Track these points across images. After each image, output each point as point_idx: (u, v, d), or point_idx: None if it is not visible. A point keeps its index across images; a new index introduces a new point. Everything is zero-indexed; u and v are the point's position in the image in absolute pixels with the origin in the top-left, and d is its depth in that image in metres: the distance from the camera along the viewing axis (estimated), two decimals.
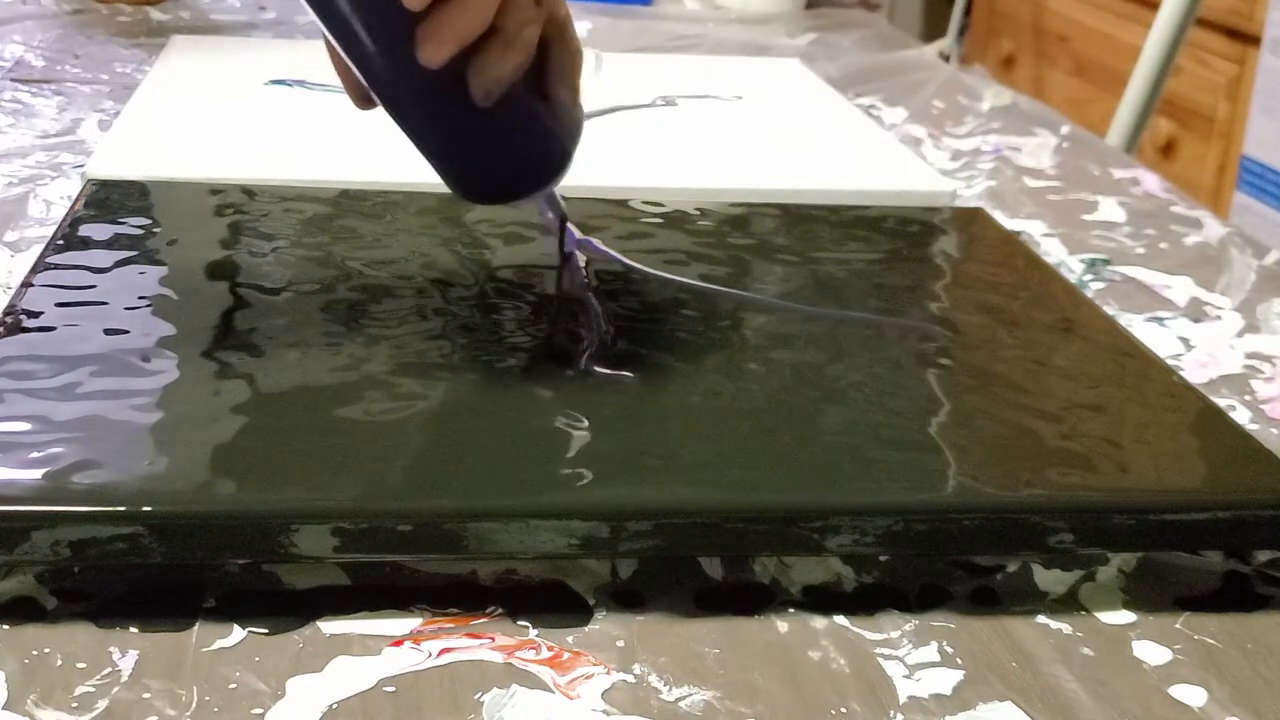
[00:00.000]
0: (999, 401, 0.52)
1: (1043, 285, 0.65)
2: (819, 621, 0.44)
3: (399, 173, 0.73)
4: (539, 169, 0.55)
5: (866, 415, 0.50)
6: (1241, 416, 0.59)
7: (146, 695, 0.38)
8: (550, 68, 0.53)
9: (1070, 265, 0.74)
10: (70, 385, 0.48)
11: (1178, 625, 0.45)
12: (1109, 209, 0.83)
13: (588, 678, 0.40)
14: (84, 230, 0.62)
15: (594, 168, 0.76)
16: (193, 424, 0.46)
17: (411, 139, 0.53)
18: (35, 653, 0.40)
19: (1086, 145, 0.96)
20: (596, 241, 0.61)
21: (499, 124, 0.52)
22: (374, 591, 0.43)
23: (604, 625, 0.43)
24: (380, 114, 0.53)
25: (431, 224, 0.66)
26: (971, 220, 0.74)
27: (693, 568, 0.46)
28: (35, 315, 0.53)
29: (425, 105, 0.52)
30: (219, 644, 0.41)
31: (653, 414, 0.50)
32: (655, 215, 0.70)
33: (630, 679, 0.40)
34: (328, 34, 0.51)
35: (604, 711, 0.39)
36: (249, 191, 0.69)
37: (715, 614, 0.44)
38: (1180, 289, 0.72)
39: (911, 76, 1.11)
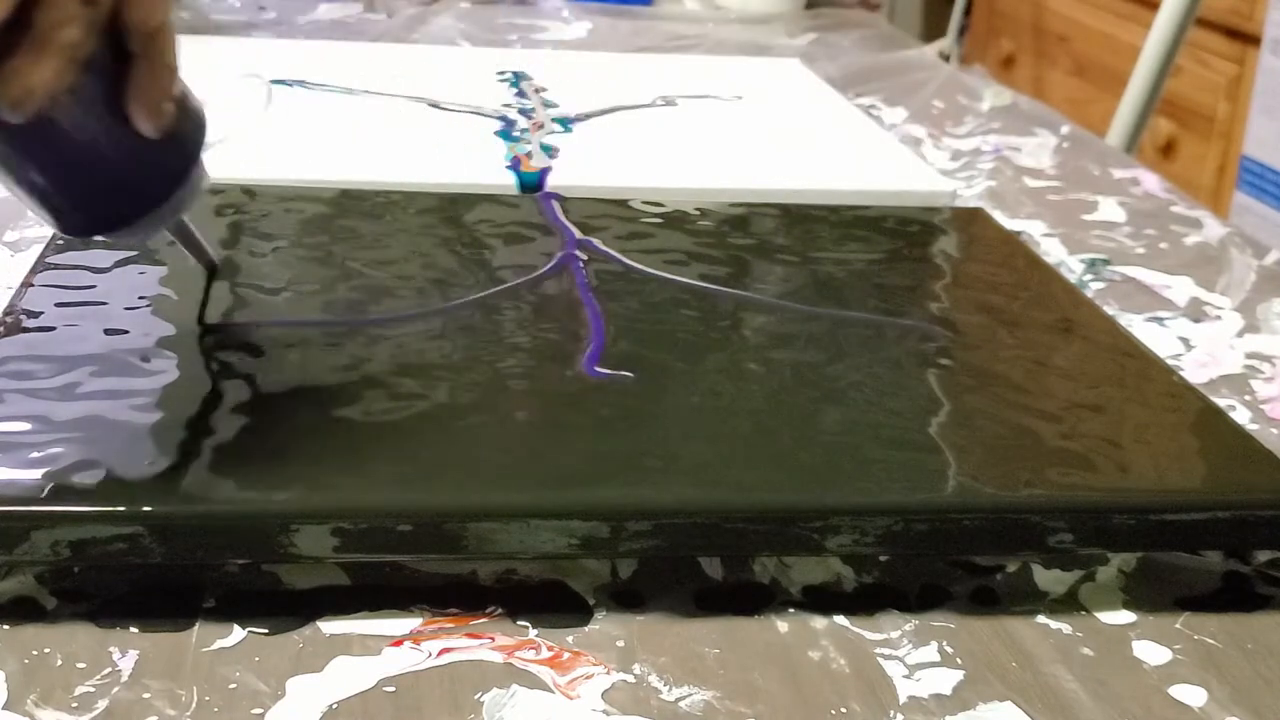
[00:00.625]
0: (999, 401, 0.52)
1: (1043, 285, 0.65)
2: (819, 621, 0.44)
3: (399, 173, 0.73)
4: (122, 199, 0.47)
5: (866, 415, 0.50)
6: (1241, 416, 0.59)
7: (146, 695, 0.38)
8: (125, 83, 0.44)
9: (1070, 265, 0.74)
10: (70, 385, 0.48)
11: (1178, 625, 0.45)
12: (1109, 209, 0.83)
13: (588, 678, 0.40)
14: None
15: (594, 168, 0.76)
16: (193, 424, 0.46)
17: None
18: (35, 653, 0.40)
19: (1086, 145, 0.96)
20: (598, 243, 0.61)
21: (56, 146, 0.44)
22: (374, 591, 0.43)
23: (604, 625, 0.43)
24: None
25: (431, 224, 0.66)
26: (971, 220, 0.74)
27: (693, 568, 0.46)
28: (35, 315, 0.53)
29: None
30: (219, 644, 0.41)
31: (653, 414, 0.50)
32: (655, 215, 0.70)
33: (630, 679, 0.40)
34: None
35: (604, 711, 0.39)
36: (249, 191, 0.69)
37: (715, 614, 0.44)
38: (1180, 289, 0.72)
39: (911, 76, 1.11)
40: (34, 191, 0.45)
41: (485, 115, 0.85)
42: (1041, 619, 0.45)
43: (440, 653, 0.41)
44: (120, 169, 0.46)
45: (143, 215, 0.47)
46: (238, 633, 0.41)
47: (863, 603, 0.45)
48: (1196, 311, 0.69)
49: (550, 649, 0.41)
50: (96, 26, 0.43)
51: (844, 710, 0.40)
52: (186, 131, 0.48)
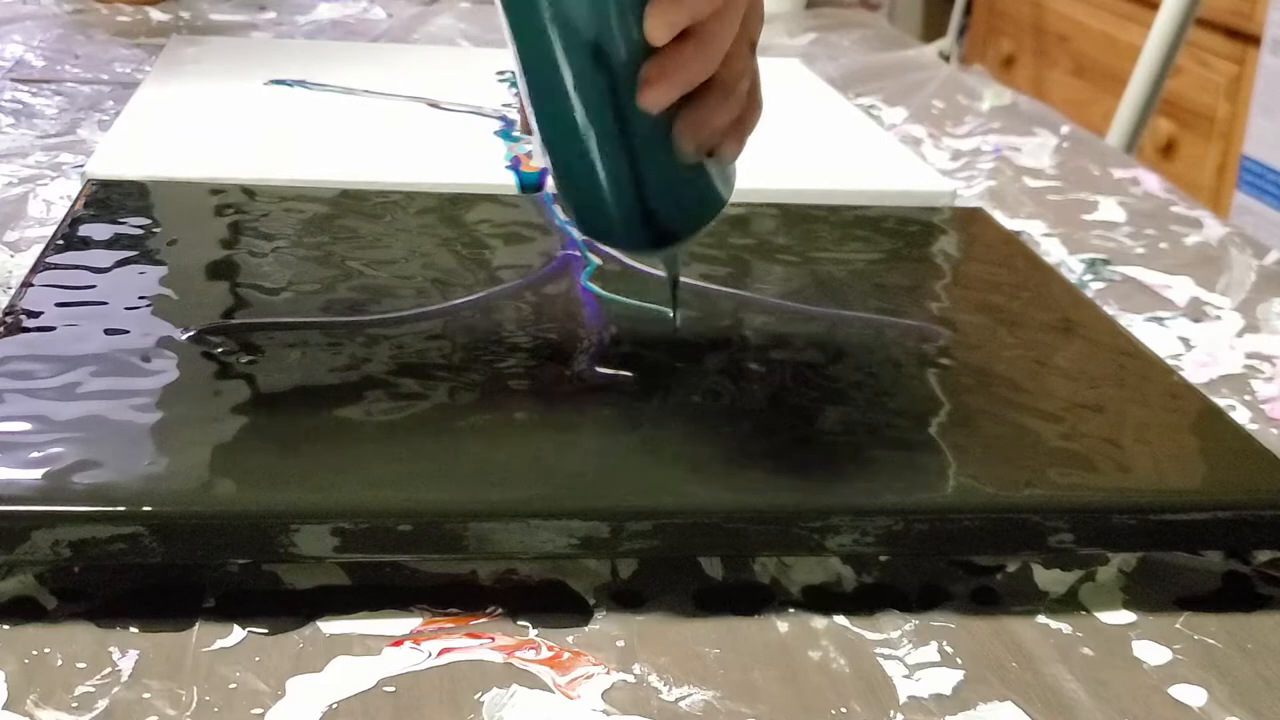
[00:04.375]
0: (999, 401, 0.52)
1: (1043, 285, 0.65)
2: (819, 621, 0.44)
3: (399, 173, 0.73)
4: (684, 222, 0.50)
5: (866, 415, 0.50)
6: (1241, 416, 0.59)
7: (146, 695, 0.38)
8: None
9: (1070, 265, 0.74)
10: (70, 385, 0.48)
11: (1178, 625, 0.45)
12: (1109, 209, 0.83)
13: (588, 678, 0.40)
14: (84, 230, 0.62)
15: None
16: (193, 424, 0.46)
17: (572, 180, 0.48)
18: (35, 653, 0.40)
19: (1086, 145, 0.96)
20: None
21: (668, 175, 0.47)
22: (374, 591, 0.43)
23: (604, 625, 0.43)
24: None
25: (431, 224, 0.66)
26: (971, 220, 0.74)
27: (693, 568, 0.46)
28: (35, 315, 0.53)
29: (618, 152, 0.46)
30: (219, 644, 0.41)
31: (653, 414, 0.50)
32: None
33: (630, 679, 0.40)
34: (516, 54, 0.45)
35: (604, 711, 0.39)
36: (249, 191, 0.69)
37: (715, 614, 0.44)
38: (1180, 289, 0.72)
39: (911, 76, 1.11)
40: (618, 212, 0.48)
41: (485, 115, 0.85)
42: (1041, 619, 0.45)
43: (440, 653, 0.41)
44: (701, 193, 0.49)
45: (688, 236, 0.50)
46: (238, 633, 0.41)
47: (863, 603, 0.45)
48: (1196, 311, 0.69)
49: (550, 649, 0.41)
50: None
51: (844, 710, 0.40)
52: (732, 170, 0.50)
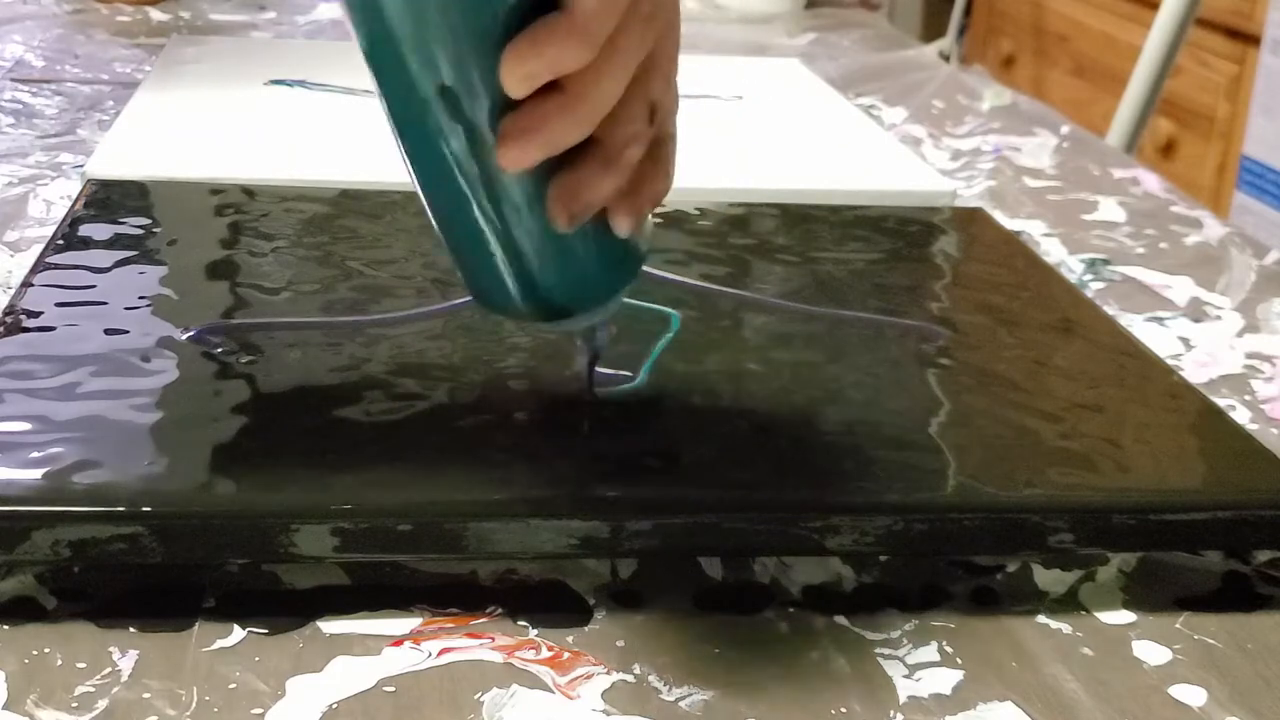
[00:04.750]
0: (999, 401, 0.52)
1: (1043, 285, 0.65)
2: (819, 621, 0.44)
3: (399, 173, 0.73)
4: (576, 297, 0.45)
5: (866, 415, 0.50)
6: (1241, 416, 0.59)
7: (146, 695, 0.38)
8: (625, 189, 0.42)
9: (1070, 265, 0.74)
10: (70, 385, 0.48)
11: (1178, 625, 0.45)
12: (1109, 209, 0.83)
13: (588, 678, 0.40)
14: (84, 230, 0.62)
15: None
16: (193, 424, 0.46)
17: (450, 242, 0.44)
18: (35, 653, 0.40)
19: (1086, 145, 0.96)
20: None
21: (548, 244, 0.42)
22: (374, 591, 0.43)
23: (604, 625, 0.43)
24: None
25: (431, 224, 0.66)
26: (971, 220, 0.74)
27: (693, 568, 0.46)
28: (35, 315, 0.53)
29: (488, 215, 0.41)
30: (219, 644, 0.41)
31: (653, 414, 0.50)
32: (655, 215, 0.70)
33: (630, 679, 0.40)
34: (374, 83, 0.41)
35: (604, 711, 0.39)
36: (249, 191, 0.69)
37: (715, 614, 0.44)
38: (1180, 289, 0.72)
39: (911, 76, 1.11)
40: (497, 281, 0.43)
41: None
42: (1041, 619, 0.45)
43: (440, 653, 0.41)
44: (587, 269, 0.44)
45: (583, 313, 0.45)
46: (238, 633, 0.41)
47: (863, 603, 0.45)
48: (1196, 311, 0.69)
49: (550, 649, 0.41)
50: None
51: (844, 710, 0.40)
52: (642, 244, 0.46)
